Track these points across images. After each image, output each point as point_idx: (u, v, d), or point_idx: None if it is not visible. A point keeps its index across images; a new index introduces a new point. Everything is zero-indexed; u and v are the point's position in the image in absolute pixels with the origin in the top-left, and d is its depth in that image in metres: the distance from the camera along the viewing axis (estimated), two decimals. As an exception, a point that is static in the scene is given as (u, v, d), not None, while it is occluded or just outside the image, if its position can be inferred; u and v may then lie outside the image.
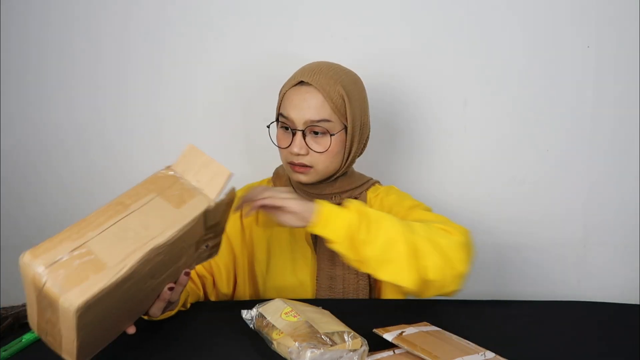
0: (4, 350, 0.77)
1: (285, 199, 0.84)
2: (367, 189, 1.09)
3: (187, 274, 0.78)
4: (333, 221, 0.84)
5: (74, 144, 1.37)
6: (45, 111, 1.35)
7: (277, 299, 0.85)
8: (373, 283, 1.06)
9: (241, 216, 1.09)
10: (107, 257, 0.62)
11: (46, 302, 0.60)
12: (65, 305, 0.58)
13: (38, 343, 0.82)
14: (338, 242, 0.84)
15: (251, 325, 0.82)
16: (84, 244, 0.63)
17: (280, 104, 1.02)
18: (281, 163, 1.08)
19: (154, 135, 1.37)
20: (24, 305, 0.89)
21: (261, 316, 0.81)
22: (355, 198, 1.06)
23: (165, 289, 0.76)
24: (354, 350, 0.71)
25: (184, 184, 0.73)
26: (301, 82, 0.99)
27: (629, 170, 1.37)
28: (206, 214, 0.72)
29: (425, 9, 1.32)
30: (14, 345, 0.79)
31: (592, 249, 1.41)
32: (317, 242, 1.05)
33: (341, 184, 1.06)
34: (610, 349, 0.83)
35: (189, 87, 1.35)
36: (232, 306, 0.96)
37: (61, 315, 0.59)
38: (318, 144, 0.99)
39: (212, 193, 0.73)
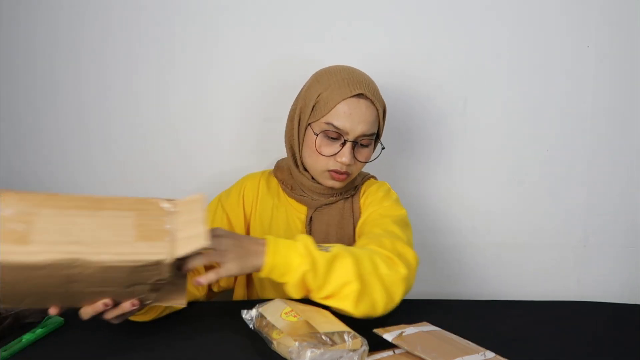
0: (4, 350, 0.77)
1: (221, 273, 0.77)
2: (362, 183, 1.12)
3: (134, 304, 0.72)
4: (284, 273, 0.81)
5: (77, 144, 1.37)
6: (49, 111, 1.35)
7: (277, 299, 0.85)
8: None
9: (244, 205, 1.10)
10: (37, 236, 0.62)
11: None
12: None
13: (38, 343, 0.82)
14: (290, 290, 0.82)
15: (251, 326, 0.82)
16: (35, 213, 0.63)
17: (329, 112, 0.98)
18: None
19: (158, 136, 1.36)
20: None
21: (261, 316, 0.81)
22: (352, 196, 1.09)
23: (100, 302, 0.70)
24: (354, 350, 0.71)
25: (165, 223, 0.68)
26: (359, 95, 0.98)
27: (628, 170, 1.37)
28: (160, 265, 0.66)
29: (425, 9, 1.32)
30: (14, 345, 0.79)
31: (592, 249, 1.41)
32: (311, 235, 1.06)
33: (346, 184, 1.08)
34: (610, 349, 0.83)
35: (194, 89, 1.35)
36: (232, 306, 0.96)
37: None
38: (360, 154, 1.02)
39: (179, 250, 0.67)
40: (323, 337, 0.72)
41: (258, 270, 0.80)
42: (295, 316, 0.78)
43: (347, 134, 0.98)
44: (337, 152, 0.99)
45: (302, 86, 1.07)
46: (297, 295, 0.83)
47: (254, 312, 0.82)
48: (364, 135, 0.99)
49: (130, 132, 1.36)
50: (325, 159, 1.00)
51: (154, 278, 0.68)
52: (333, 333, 0.73)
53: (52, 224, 0.63)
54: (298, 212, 1.09)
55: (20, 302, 0.69)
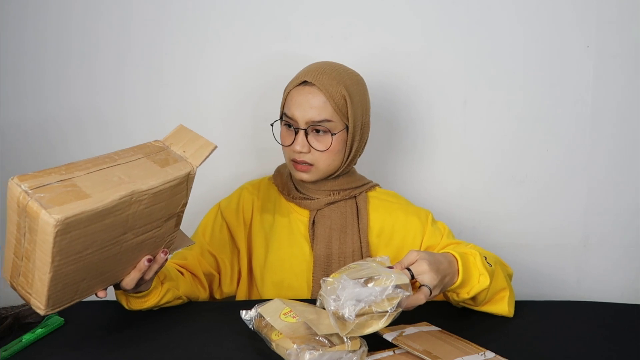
0: (4, 350, 0.77)
1: (424, 299, 0.79)
2: (367, 190, 1.11)
3: (165, 252, 0.83)
4: (463, 286, 0.87)
5: (77, 145, 1.37)
6: (48, 112, 1.35)
7: (276, 299, 0.85)
8: None
9: (243, 213, 1.11)
10: (90, 190, 0.66)
11: (26, 225, 0.62)
12: (45, 218, 0.60)
13: (38, 343, 0.82)
14: (456, 299, 0.91)
15: (250, 326, 0.82)
16: (70, 178, 0.66)
17: (284, 102, 1.04)
18: (284, 161, 1.09)
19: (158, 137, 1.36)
20: (24, 305, 0.89)
21: (260, 317, 0.81)
22: (355, 197, 1.08)
23: (144, 260, 0.79)
24: (353, 351, 0.71)
25: (170, 152, 0.79)
26: (304, 82, 1.00)
27: (629, 170, 1.37)
28: (188, 179, 0.77)
29: (425, 8, 1.32)
30: (14, 345, 0.79)
31: (592, 250, 1.40)
32: (314, 238, 1.06)
33: (342, 181, 1.08)
34: (610, 349, 0.83)
35: (192, 89, 1.35)
36: (232, 306, 0.96)
37: (39, 234, 0.61)
38: (320, 142, 1.01)
39: (196, 161, 0.78)
40: (321, 338, 0.72)
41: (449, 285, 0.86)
42: (294, 317, 0.78)
43: (296, 121, 1.00)
44: (293, 141, 1.01)
45: None
46: (458, 300, 0.91)
47: (253, 312, 0.82)
48: (314, 122, 1.00)
49: (130, 134, 1.36)
50: (287, 149, 1.03)
51: (182, 202, 0.79)
52: (332, 334, 0.73)
53: (91, 180, 0.67)
54: (301, 215, 1.09)
55: (75, 291, 0.72)
